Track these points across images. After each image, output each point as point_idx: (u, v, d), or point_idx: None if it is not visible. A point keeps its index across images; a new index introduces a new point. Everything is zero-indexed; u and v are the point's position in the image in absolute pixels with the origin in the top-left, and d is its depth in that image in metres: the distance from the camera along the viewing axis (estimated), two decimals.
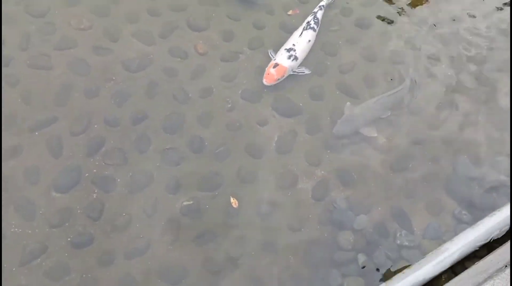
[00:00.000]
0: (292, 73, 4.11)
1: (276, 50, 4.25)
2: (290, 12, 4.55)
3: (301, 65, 4.18)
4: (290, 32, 4.42)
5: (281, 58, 4.08)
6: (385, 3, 4.83)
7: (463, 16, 4.82)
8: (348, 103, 4.01)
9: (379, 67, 4.38)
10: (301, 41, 4.18)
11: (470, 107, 4.23)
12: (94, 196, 3.52)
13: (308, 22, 4.31)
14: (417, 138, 4.02)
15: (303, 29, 4.24)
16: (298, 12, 4.51)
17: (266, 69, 4.09)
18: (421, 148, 3.97)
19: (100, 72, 4.08)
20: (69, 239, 3.33)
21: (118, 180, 3.61)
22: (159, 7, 4.53)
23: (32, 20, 4.26)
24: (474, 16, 4.82)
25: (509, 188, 3.70)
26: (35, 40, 4.15)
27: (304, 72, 4.12)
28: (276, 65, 4.05)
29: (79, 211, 3.45)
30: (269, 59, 4.20)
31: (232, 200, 3.58)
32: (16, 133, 3.68)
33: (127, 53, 4.22)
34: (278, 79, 4.04)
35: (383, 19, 4.71)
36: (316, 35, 4.36)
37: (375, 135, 3.87)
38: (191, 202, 3.59)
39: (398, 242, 3.50)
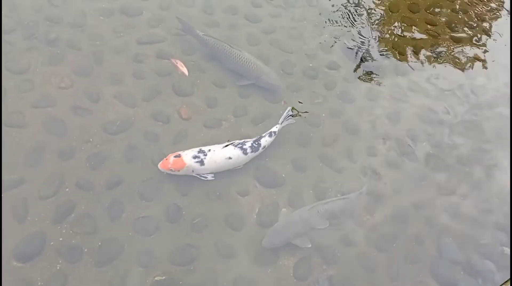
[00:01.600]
0: (193, 174, 3.78)
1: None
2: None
3: (210, 174, 3.82)
4: (273, 102, 4.45)
5: (187, 153, 3.75)
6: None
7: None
8: (283, 209, 3.73)
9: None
10: (219, 153, 3.80)
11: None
12: (58, 267, 3.23)
13: (243, 142, 3.92)
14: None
15: (232, 144, 3.88)
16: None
17: (170, 154, 3.78)
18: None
19: (77, 133, 3.92)
20: None
21: (85, 250, 3.35)
22: (145, 70, 4.49)
23: (11, 76, 4.13)
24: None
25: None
26: (11, 97, 4.01)
27: (206, 178, 3.79)
28: (177, 155, 3.73)
29: (39, 284, 3.13)
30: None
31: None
32: None
33: (108, 115, 4.10)
34: (171, 170, 3.68)
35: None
36: (249, 159, 3.95)
37: (309, 246, 3.55)
38: (164, 277, 3.34)
39: None
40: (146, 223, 3.55)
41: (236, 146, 3.88)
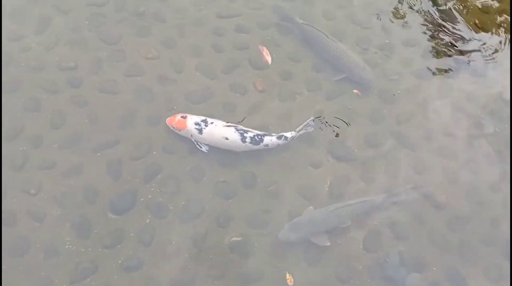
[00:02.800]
0: (191, 138, 3.90)
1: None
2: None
3: (206, 146, 3.91)
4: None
5: (192, 117, 3.90)
6: None
7: None
8: (310, 207, 3.69)
9: None
10: (218, 129, 3.85)
11: None
12: (147, 221, 3.58)
13: (247, 130, 3.89)
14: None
15: (235, 129, 3.88)
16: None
17: (179, 113, 3.97)
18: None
19: (163, 101, 4.22)
20: (120, 261, 3.38)
21: (171, 208, 3.66)
22: (223, 44, 4.68)
23: (105, 47, 4.49)
24: None
25: None
26: (105, 65, 4.36)
27: (201, 148, 3.89)
28: (184, 117, 3.90)
29: (131, 234, 3.50)
30: None
31: (288, 276, 3.46)
32: (79, 152, 3.83)
33: (190, 85, 4.36)
34: (174, 127, 3.88)
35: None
36: (246, 149, 3.92)
37: (328, 244, 3.52)
38: (240, 238, 3.58)
39: None
40: (224, 188, 3.80)
41: (238, 130, 3.86)
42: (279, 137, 3.92)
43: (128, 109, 4.10)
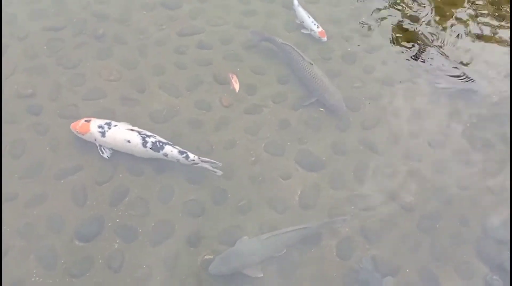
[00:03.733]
0: (95, 142, 3.88)
1: None
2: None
3: (109, 150, 3.88)
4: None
5: (96, 121, 3.89)
6: None
7: None
8: (245, 237, 3.52)
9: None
10: (121, 132, 3.83)
11: None
12: (116, 246, 3.48)
13: (148, 136, 3.84)
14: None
15: (138, 133, 3.84)
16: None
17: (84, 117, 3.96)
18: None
19: (126, 122, 4.14)
20: None
21: (140, 230, 3.58)
22: (186, 61, 4.67)
23: (64, 71, 4.41)
24: None
25: None
26: (65, 91, 4.28)
27: (103, 153, 3.86)
28: (88, 120, 3.89)
29: (100, 262, 3.40)
30: None
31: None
32: (42, 181, 3.72)
33: (154, 105, 4.31)
34: (77, 132, 3.88)
35: None
36: (147, 155, 3.84)
37: (260, 275, 3.36)
38: (212, 256, 3.52)
39: None
40: (194, 206, 3.75)
41: (140, 134, 3.82)
42: (180, 153, 3.80)
43: None
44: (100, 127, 3.84)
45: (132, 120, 4.14)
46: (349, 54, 4.89)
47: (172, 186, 3.84)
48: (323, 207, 3.83)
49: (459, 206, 3.90)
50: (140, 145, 3.79)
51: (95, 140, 3.86)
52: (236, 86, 4.37)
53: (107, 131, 3.83)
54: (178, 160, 3.82)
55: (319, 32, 4.88)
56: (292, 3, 5.09)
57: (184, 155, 3.80)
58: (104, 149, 3.87)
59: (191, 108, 4.35)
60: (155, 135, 3.88)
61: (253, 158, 4.07)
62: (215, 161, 3.81)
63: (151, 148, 3.79)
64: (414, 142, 4.27)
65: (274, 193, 3.90)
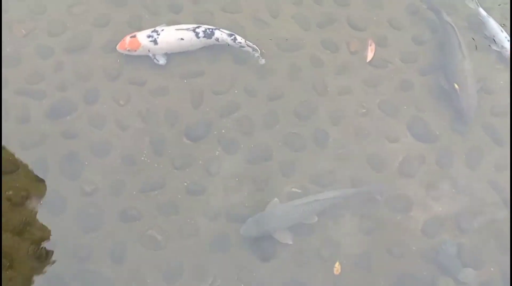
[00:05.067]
0: (149, 54, 3.91)
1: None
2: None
3: (168, 55, 3.96)
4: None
5: (142, 32, 3.91)
6: None
7: None
8: (276, 199, 3.49)
9: None
10: (172, 33, 3.91)
11: None
12: (217, 154, 3.74)
13: (198, 26, 3.98)
14: None
15: (186, 29, 3.94)
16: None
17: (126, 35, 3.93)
18: None
19: (252, 42, 4.23)
20: (185, 184, 3.60)
21: (242, 146, 3.78)
22: None
23: None
24: None
25: None
26: None
27: (159, 61, 3.92)
28: (134, 35, 3.89)
29: (200, 162, 3.69)
30: None
31: (336, 265, 3.42)
32: (169, 77, 4.01)
33: (282, 32, 4.33)
34: (128, 50, 3.86)
35: None
36: (201, 44, 4.00)
37: (290, 242, 3.36)
38: (300, 190, 3.64)
39: None
40: (295, 139, 3.84)
41: (189, 29, 3.91)
42: (230, 35, 3.99)
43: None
44: (149, 36, 3.89)
45: (258, 42, 4.22)
46: None
47: (278, 114, 3.93)
48: (421, 180, 3.73)
49: None
50: (195, 38, 3.93)
51: (149, 51, 3.91)
52: (370, 55, 4.17)
53: (158, 37, 3.88)
54: (227, 43, 3.99)
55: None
56: (477, 13, 4.35)
57: (233, 37, 3.98)
58: (158, 58, 3.94)
59: (317, 45, 4.30)
60: (199, 24, 3.99)
61: (364, 110, 4.00)
62: (257, 49, 3.97)
63: (204, 37, 3.93)
64: None
65: (375, 151, 3.85)
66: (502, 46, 4.20)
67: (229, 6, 4.42)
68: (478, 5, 4.36)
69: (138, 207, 3.50)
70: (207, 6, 4.40)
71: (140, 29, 4.07)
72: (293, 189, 3.66)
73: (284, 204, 3.47)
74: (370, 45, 4.22)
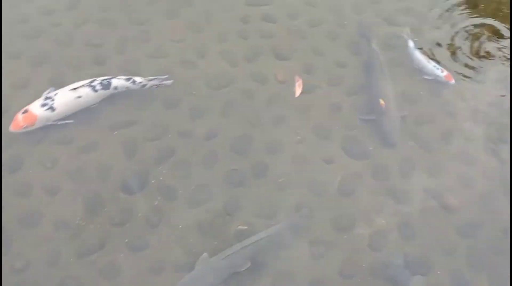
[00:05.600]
0: (50, 123, 3.78)
1: None
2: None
3: (68, 117, 3.86)
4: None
5: (35, 103, 3.73)
6: None
7: None
8: (204, 254, 3.35)
9: None
10: (68, 94, 3.79)
11: None
12: (156, 203, 3.66)
13: (93, 80, 3.90)
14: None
15: (81, 86, 3.84)
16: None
17: (17, 113, 3.73)
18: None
19: (183, 84, 4.25)
20: (126, 240, 3.48)
21: (181, 191, 3.73)
22: (249, 31, 4.66)
23: (132, 28, 4.55)
24: None
25: None
26: (130, 46, 4.43)
27: (64, 121, 3.81)
28: (26, 111, 3.68)
29: (139, 215, 3.59)
30: None
31: None
32: (97, 130, 3.93)
33: (211, 71, 4.38)
34: (26, 127, 3.66)
35: None
36: (100, 97, 3.95)
37: None
38: (246, 227, 3.61)
39: None
40: (235, 175, 3.83)
41: (85, 85, 3.82)
42: (127, 79, 3.95)
43: (147, 90, 4.15)
44: (44, 105, 3.72)
45: (187, 84, 4.24)
46: None
47: (216, 153, 3.93)
48: (361, 196, 3.80)
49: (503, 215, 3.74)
50: (92, 92, 3.84)
51: (48, 120, 3.74)
52: (298, 91, 4.22)
53: (53, 103, 3.73)
54: (127, 87, 3.95)
55: (444, 77, 4.33)
56: (405, 44, 4.50)
57: (131, 80, 3.95)
58: (61, 122, 3.80)
59: (246, 79, 4.37)
60: (94, 78, 3.93)
61: (299, 137, 4.07)
62: (162, 77, 4.00)
63: (102, 89, 3.87)
64: (469, 145, 4.09)
65: (314, 175, 3.89)
66: (435, 75, 4.37)
67: (155, 51, 4.44)
68: (408, 37, 4.51)
69: (77, 275, 3.32)
70: (133, 54, 4.40)
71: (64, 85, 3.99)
72: (239, 227, 3.62)
73: (213, 258, 3.32)
74: (297, 81, 4.28)
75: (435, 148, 4.07)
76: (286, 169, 3.91)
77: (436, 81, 4.40)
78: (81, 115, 3.98)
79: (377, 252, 3.56)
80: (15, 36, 4.41)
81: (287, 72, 4.42)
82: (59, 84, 4.05)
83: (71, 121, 3.86)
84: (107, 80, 3.92)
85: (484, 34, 4.79)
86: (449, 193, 3.83)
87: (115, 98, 4.08)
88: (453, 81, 4.36)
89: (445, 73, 4.37)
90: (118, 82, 3.95)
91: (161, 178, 3.76)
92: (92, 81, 3.88)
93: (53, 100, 3.75)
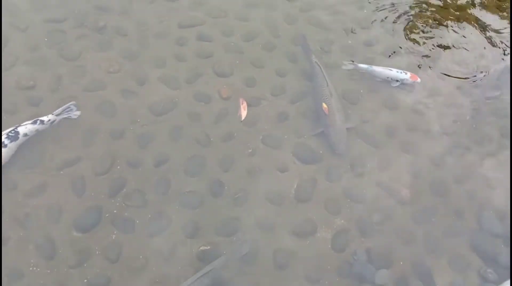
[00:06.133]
0: None
1: None
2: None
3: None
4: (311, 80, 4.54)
5: None
6: None
7: None
8: None
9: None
10: None
11: None
12: (113, 237, 3.54)
13: None
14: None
15: None
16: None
17: None
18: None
19: (126, 114, 4.19)
20: (85, 280, 3.33)
21: (137, 221, 3.63)
22: (186, 53, 4.68)
23: (65, 63, 4.45)
24: None
25: None
26: (65, 82, 4.32)
27: None
28: None
29: (97, 252, 3.46)
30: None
31: None
32: (42, 172, 3.78)
33: (153, 97, 4.34)
34: None
35: None
36: (13, 150, 3.74)
37: None
38: (208, 247, 3.56)
39: None
40: (191, 198, 3.78)
41: None
42: (34, 122, 3.80)
43: (90, 125, 4.06)
44: None
45: (130, 113, 4.18)
46: None
47: (169, 178, 3.87)
48: (319, 200, 3.85)
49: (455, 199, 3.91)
50: (2, 149, 3.62)
51: None
52: (243, 114, 4.21)
53: None
54: (37, 130, 3.80)
55: (410, 77, 4.44)
56: (358, 69, 4.52)
57: (38, 122, 3.81)
58: None
59: (190, 100, 4.37)
60: None
61: (250, 150, 4.09)
62: (68, 105, 3.92)
63: (11, 142, 3.67)
64: (410, 135, 4.27)
65: (270, 185, 3.92)
66: (401, 79, 4.48)
67: (93, 85, 4.35)
68: (355, 64, 4.57)
69: None
70: (68, 91, 4.29)
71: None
72: (201, 248, 3.57)
73: None
74: (242, 104, 4.29)
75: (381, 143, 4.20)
76: (242, 184, 3.91)
77: (403, 85, 4.51)
78: (23, 158, 3.82)
79: (340, 253, 3.61)
80: None
81: (231, 88, 4.45)
82: None
83: None
84: (13, 131, 3.71)
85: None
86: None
87: (58, 135, 3.95)
88: (419, 80, 4.48)
89: (409, 74, 4.49)
90: (25, 128, 3.76)
91: (115, 211, 3.65)
92: None
93: None
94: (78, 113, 3.90)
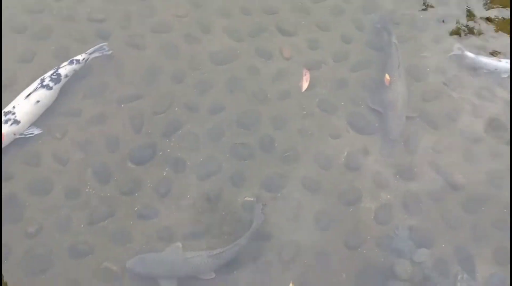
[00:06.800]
0: (18, 136, 3.63)
1: None
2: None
3: (33, 125, 3.71)
4: (376, 49, 4.44)
5: None
6: None
7: None
8: (178, 243, 3.32)
9: None
10: (25, 103, 3.66)
11: None
12: (164, 174, 3.67)
13: (42, 80, 3.79)
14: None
15: (34, 90, 3.71)
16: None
17: None
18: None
19: (187, 59, 4.25)
20: (136, 209, 3.50)
21: (188, 163, 3.74)
22: (252, 7, 4.65)
23: (135, 1, 4.52)
24: None
25: None
26: (134, 20, 4.41)
27: (33, 133, 3.66)
28: None
29: (149, 185, 3.61)
30: None
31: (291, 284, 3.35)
32: (104, 103, 3.92)
33: (215, 46, 4.37)
34: None
35: None
36: (59, 91, 3.85)
37: None
38: (253, 198, 3.64)
39: (458, 285, 3.37)
40: (241, 149, 3.85)
41: (37, 89, 3.71)
42: (71, 62, 3.92)
43: (153, 64, 4.15)
44: (7, 121, 3.59)
45: (192, 59, 4.24)
46: None
47: (223, 127, 3.94)
48: (367, 171, 3.84)
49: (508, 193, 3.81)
50: (48, 91, 3.74)
51: (15, 134, 3.61)
52: (305, 85, 4.15)
53: (15, 116, 3.61)
54: (75, 70, 3.92)
55: None
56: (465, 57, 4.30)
57: (75, 62, 3.93)
58: (28, 132, 3.66)
59: (252, 54, 4.37)
60: (42, 76, 3.83)
61: (304, 112, 4.09)
62: (101, 45, 4.04)
63: (55, 83, 3.78)
64: (471, 121, 4.14)
65: (321, 149, 3.93)
66: (504, 68, 4.25)
67: (160, 26, 4.41)
68: (463, 50, 4.35)
69: (88, 240, 3.36)
70: (136, 29, 4.38)
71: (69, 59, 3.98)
72: (246, 198, 3.66)
73: (183, 252, 3.25)
74: (305, 75, 4.24)
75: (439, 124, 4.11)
76: (292, 143, 3.93)
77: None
78: (87, 88, 3.97)
79: (382, 225, 3.62)
80: (19, 11, 4.35)
81: (293, 48, 4.42)
82: (64, 57, 4.03)
83: (39, 131, 3.70)
84: (55, 73, 3.83)
85: None
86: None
87: (121, 71, 4.07)
88: None
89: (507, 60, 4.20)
90: (65, 70, 3.87)
91: (168, 150, 3.77)
92: (42, 81, 3.77)
93: (14, 113, 3.64)
94: (109, 52, 4.06)
